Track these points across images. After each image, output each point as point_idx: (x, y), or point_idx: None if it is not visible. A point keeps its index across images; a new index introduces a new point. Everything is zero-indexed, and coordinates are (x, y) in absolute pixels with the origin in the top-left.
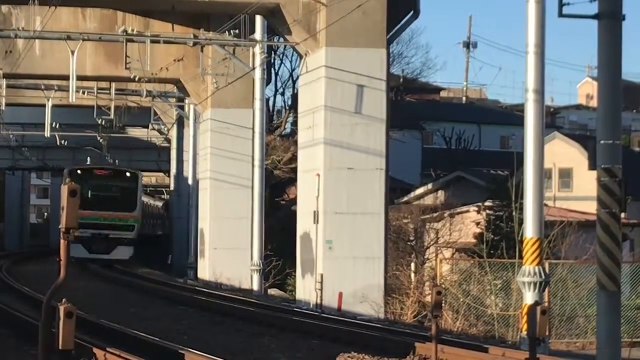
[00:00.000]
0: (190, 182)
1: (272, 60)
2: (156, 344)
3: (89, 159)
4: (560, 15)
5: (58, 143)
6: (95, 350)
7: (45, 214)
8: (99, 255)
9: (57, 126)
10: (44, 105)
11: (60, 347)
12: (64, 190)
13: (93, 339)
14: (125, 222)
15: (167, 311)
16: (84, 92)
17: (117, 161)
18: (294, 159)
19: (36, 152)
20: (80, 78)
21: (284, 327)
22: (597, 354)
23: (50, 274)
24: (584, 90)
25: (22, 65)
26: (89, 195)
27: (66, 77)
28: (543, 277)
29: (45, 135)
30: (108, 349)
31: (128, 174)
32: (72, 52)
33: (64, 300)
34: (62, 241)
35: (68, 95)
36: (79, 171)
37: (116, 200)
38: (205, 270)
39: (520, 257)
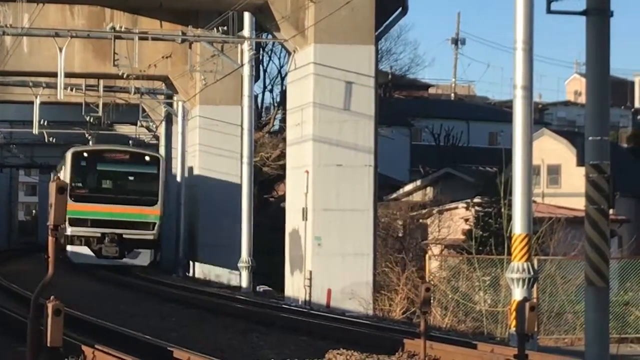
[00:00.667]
0: (178, 179)
1: (261, 57)
2: (145, 341)
3: (90, 141)
4: (549, 11)
5: (46, 140)
6: (83, 347)
7: (34, 211)
8: (111, 260)
9: (45, 123)
10: (32, 103)
11: (48, 345)
12: (52, 187)
13: (82, 336)
14: (144, 218)
15: (155, 308)
16: (72, 89)
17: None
18: (282, 155)
19: (24, 149)
20: (68, 75)
21: (273, 324)
22: (585, 350)
23: (39, 271)
24: (572, 86)
25: (10, 62)
26: (98, 185)
27: (54, 74)
28: (532, 273)
29: (34, 132)
30: (96, 347)
31: (147, 158)
32: (60, 49)
33: (52, 297)
34: (50, 238)
35: (56, 92)
36: (85, 153)
37: (133, 191)
38: (195, 267)
39: (509, 254)
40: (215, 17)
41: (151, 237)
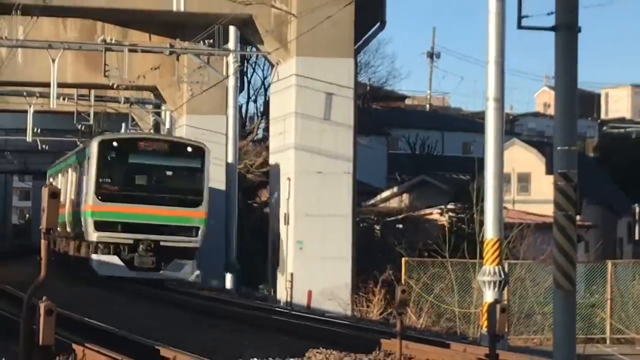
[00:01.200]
0: None
1: (245, 69)
2: (133, 340)
3: (123, 125)
4: (519, 27)
5: (39, 148)
6: (74, 346)
7: (27, 215)
8: (145, 273)
9: (39, 131)
10: (26, 111)
11: (40, 343)
12: (45, 192)
13: (73, 335)
14: (186, 222)
15: (145, 308)
16: (64, 99)
17: None
18: (265, 163)
19: (18, 156)
20: (61, 85)
21: (256, 325)
22: (553, 350)
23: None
24: (542, 98)
25: (5, 72)
26: (131, 181)
27: (47, 84)
28: (502, 276)
29: (27, 140)
30: (86, 345)
31: (190, 148)
32: (53, 60)
33: (44, 298)
34: (42, 241)
35: (49, 101)
36: (114, 143)
37: (173, 189)
38: None
39: (481, 257)
40: (202, 30)
41: (195, 245)
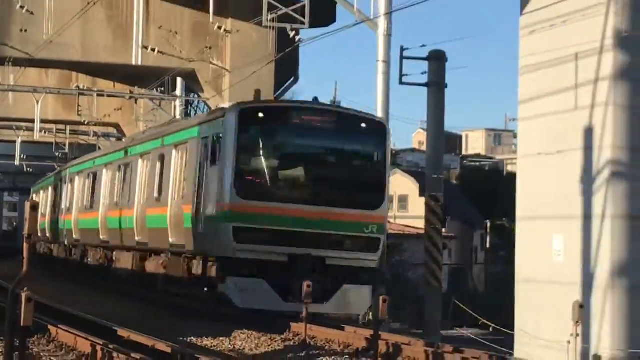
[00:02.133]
0: None
1: (189, 111)
2: (97, 323)
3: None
4: (401, 83)
5: (25, 170)
6: (49, 327)
7: (15, 223)
8: (307, 306)
9: (25, 157)
10: (14, 141)
11: (22, 324)
12: (27, 205)
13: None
14: (364, 230)
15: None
16: (45, 132)
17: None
18: None
19: (8, 176)
20: (43, 121)
21: (199, 314)
22: (424, 333)
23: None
24: (417, 138)
25: None
26: (286, 170)
27: (32, 121)
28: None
29: (16, 164)
30: (59, 326)
31: (365, 124)
32: (37, 102)
33: (25, 288)
34: (25, 244)
35: (33, 134)
36: (260, 113)
37: (346, 183)
38: None
39: None
40: (155, 80)
41: (374, 264)
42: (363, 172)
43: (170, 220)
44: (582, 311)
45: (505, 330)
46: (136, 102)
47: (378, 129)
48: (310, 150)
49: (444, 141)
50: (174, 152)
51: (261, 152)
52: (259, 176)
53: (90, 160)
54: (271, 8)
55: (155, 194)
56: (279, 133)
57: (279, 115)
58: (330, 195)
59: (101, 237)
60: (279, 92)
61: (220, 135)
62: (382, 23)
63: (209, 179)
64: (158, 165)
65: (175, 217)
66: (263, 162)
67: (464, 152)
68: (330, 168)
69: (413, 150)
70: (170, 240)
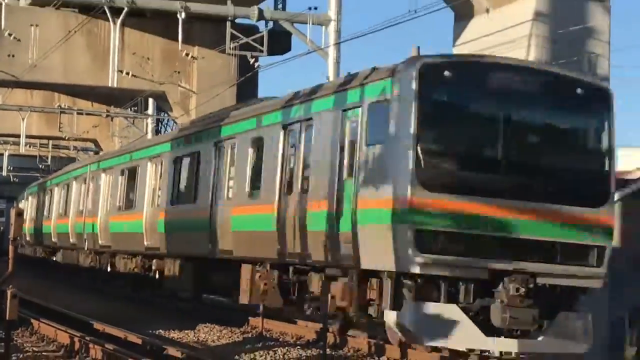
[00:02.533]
0: None
1: (159, 128)
2: (72, 316)
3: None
4: None
5: (11, 180)
6: (32, 320)
7: (1, 227)
8: (505, 342)
9: (11, 168)
10: (2, 154)
11: (7, 318)
12: (12, 212)
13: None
14: (587, 236)
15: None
16: (30, 146)
17: None
18: None
19: None
20: (28, 136)
21: (166, 309)
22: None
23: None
24: None
25: None
26: (485, 149)
27: (18, 136)
28: None
29: (3, 174)
30: (40, 320)
31: (583, 91)
32: (23, 119)
33: (10, 286)
34: (10, 247)
35: (19, 147)
36: (446, 71)
37: (565, 171)
38: None
39: None
40: (129, 100)
41: (598, 285)
42: (586, 157)
43: (277, 221)
44: None
45: None
46: (112, 120)
47: (601, 98)
48: (521, 124)
49: None
50: (282, 133)
51: (454, 125)
52: (450, 160)
53: (127, 154)
54: (233, 37)
55: (247, 189)
56: (479, 100)
57: (477, 69)
58: (546, 187)
59: (145, 243)
60: None
61: (388, 100)
62: (331, 52)
63: (368, 164)
64: (250, 151)
65: (300, 219)
66: (457, 140)
67: None
68: (546, 150)
69: None
70: (277, 247)
